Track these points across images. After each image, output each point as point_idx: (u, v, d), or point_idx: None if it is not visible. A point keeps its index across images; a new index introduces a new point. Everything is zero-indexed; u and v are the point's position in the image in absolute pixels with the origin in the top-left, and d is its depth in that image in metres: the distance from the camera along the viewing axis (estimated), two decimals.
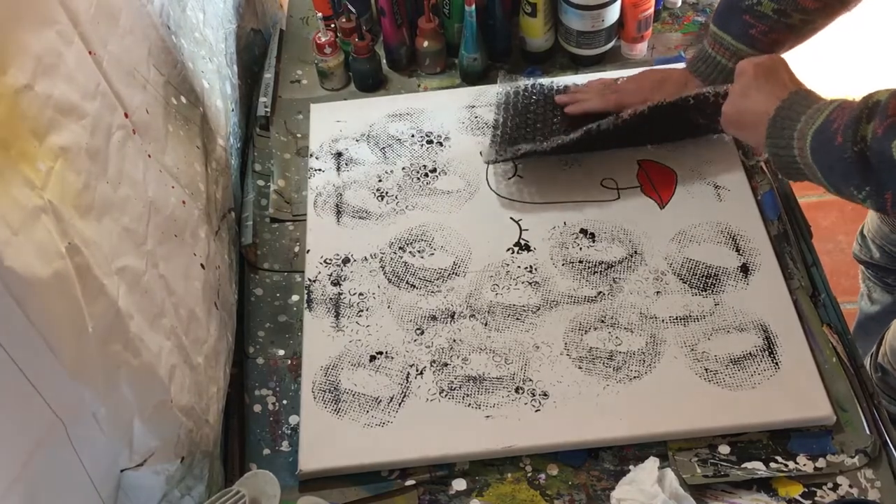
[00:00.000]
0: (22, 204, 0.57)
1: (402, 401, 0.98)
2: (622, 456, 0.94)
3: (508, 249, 1.11)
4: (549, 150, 1.13)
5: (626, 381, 0.98)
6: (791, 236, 1.10)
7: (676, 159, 1.18)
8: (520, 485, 0.93)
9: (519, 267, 1.09)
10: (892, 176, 0.78)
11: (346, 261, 1.11)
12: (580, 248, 1.10)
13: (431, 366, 1.00)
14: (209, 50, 1.12)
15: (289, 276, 1.13)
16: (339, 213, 1.17)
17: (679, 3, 1.40)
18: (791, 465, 0.92)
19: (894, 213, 0.81)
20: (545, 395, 0.97)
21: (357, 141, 1.25)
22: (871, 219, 1.42)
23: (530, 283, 1.07)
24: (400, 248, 1.12)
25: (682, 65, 1.19)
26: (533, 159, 1.17)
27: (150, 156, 0.82)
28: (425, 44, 1.32)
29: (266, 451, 0.97)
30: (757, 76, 0.96)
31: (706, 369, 0.98)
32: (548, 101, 1.23)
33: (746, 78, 0.97)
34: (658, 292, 1.05)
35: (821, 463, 0.92)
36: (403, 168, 1.21)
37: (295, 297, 1.11)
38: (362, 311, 1.06)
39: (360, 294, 1.08)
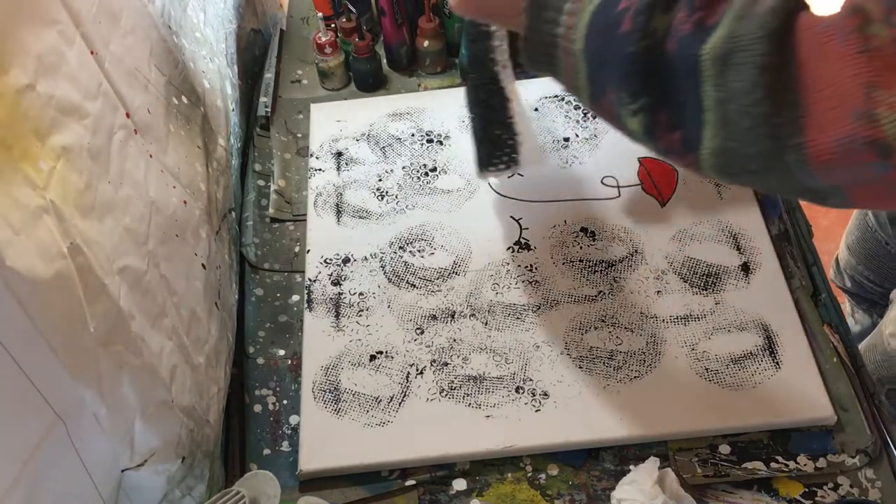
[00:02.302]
0: (24, 204, 0.57)
1: (403, 400, 0.98)
2: (622, 456, 0.95)
3: (509, 248, 1.11)
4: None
5: (627, 380, 0.98)
6: (792, 235, 1.10)
7: None
8: (520, 485, 0.93)
9: (519, 266, 1.09)
10: (682, 88, 0.62)
11: (346, 260, 1.11)
12: (580, 247, 1.10)
13: (431, 365, 1.01)
14: (210, 50, 1.12)
15: (289, 276, 1.13)
16: (339, 212, 1.17)
17: None
18: (792, 465, 0.92)
19: (663, 138, 0.65)
20: (545, 394, 0.97)
21: (357, 140, 1.25)
22: (842, 248, 1.45)
23: (531, 283, 1.07)
24: (400, 247, 1.12)
25: None
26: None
27: (151, 156, 0.82)
28: (426, 43, 1.32)
29: (266, 451, 0.97)
30: None
31: (707, 369, 0.98)
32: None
33: None
34: (658, 291, 1.05)
35: (821, 463, 0.92)
36: (403, 167, 1.21)
37: (295, 297, 1.11)
38: (362, 310, 1.06)
39: (361, 294, 1.08)
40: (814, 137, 0.56)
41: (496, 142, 1.04)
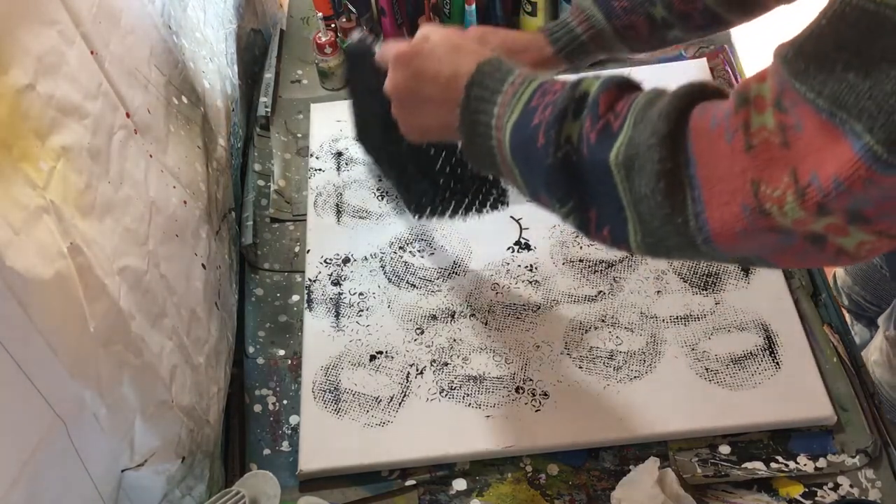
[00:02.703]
0: (24, 204, 0.57)
1: (403, 400, 0.98)
2: (622, 456, 0.95)
3: (509, 248, 1.11)
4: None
5: (627, 380, 0.98)
6: None
7: None
8: (520, 485, 0.93)
9: (519, 266, 1.09)
10: (601, 190, 0.65)
11: (346, 260, 1.11)
12: (580, 247, 1.10)
13: (431, 365, 1.00)
14: (210, 50, 1.12)
15: (289, 276, 1.13)
16: (339, 212, 1.17)
17: None
18: (792, 465, 0.92)
19: (597, 234, 0.68)
20: (545, 394, 0.97)
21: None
22: (839, 268, 1.45)
23: (531, 283, 1.07)
24: (400, 247, 1.12)
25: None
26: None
27: (151, 156, 0.82)
28: None
29: (266, 451, 0.97)
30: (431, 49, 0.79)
31: (707, 369, 0.98)
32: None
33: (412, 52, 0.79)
34: (658, 291, 1.05)
35: (821, 463, 0.92)
36: None
37: (295, 297, 1.11)
38: (362, 310, 1.06)
39: (361, 294, 1.08)
40: (716, 229, 0.59)
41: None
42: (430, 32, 0.80)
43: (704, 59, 1.30)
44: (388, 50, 0.82)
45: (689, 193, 0.60)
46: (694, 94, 0.62)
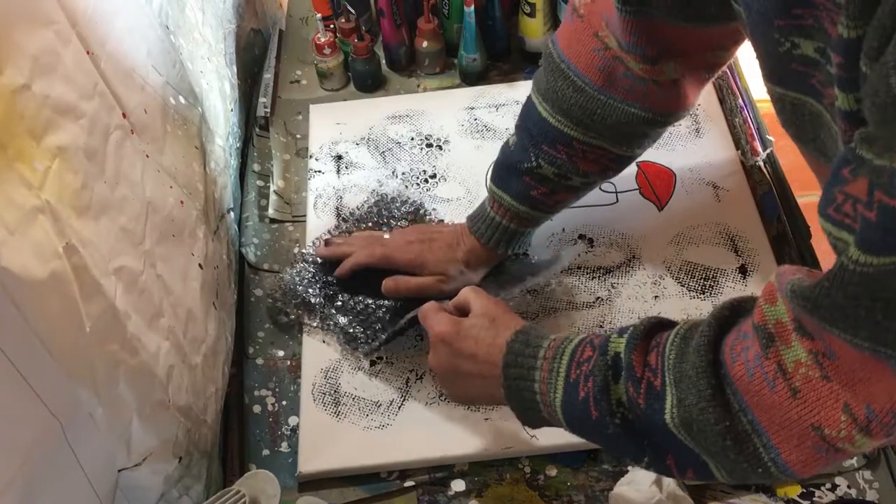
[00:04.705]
0: (19, 204, 0.57)
1: (402, 404, 0.98)
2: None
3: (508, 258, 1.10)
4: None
5: None
6: (790, 237, 1.10)
7: (675, 159, 1.18)
8: (518, 486, 0.93)
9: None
10: (671, 443, 0.66)
11: None
12: (578, 254, 1.09)
13: (431, 371, 1.00)
14: (208, 50, 1.12)
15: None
16: (339, 215, 1.16)
17: None
18: None
19: (682, 475, 0.69)
20: None
21: (357, 144, 1.25)
22: None
23: (529, 290, 1.06)
24: None
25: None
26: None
27: (148, 156, 0.82)
28: (424, 44, 1.32)
29: (265, 452, 0.97)
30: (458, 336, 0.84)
31: None
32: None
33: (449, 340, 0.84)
34: (656, 296, 1.05)
35: None
36: (403, 173, 1.20)
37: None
38: None
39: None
40: (797, 468, 0.61)
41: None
42: (472, 301, 0.86)
43: None
44: (429, 323, 0.87)
45: (757, 441, 0.61)
46: (717, 336, 0.64)
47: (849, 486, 0.91)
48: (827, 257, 1.14)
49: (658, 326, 0.70)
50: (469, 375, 0.82)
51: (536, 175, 0.94)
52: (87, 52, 0.71)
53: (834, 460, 0.59)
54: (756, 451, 0.61)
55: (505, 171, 0.97)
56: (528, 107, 0.95)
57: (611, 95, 0.88)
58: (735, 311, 0.65)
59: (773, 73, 0.65)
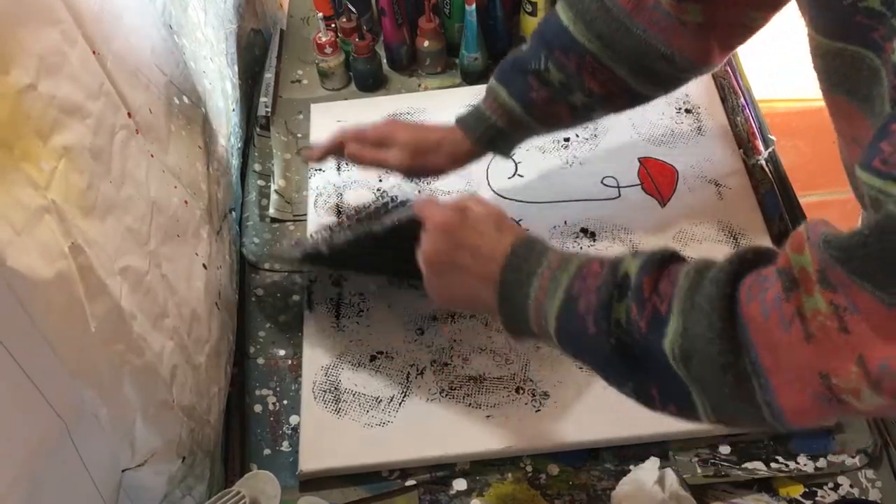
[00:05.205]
0: (25, 204, 0.57)
1: (403, 400, 0.98)
2: (622, 456, 0.95)
3: None
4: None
5: None
6: None
7: (677, 157, 1.18)
8: (520, 485, 0.93)
9: None
10: (661, 373, 0.65)
11: None
12: (581, 248, 1.10)
13: (432, 365, 1.00)
14: (211, 50, 1.12)
15: (289, 276, 1.13)
16: (339, 213, 1.17)
17: None
18: (792, 465, 0.92)
19: (662, 408, 0.68)
20: (546, 395, 0.97)
21: None
22: None
23: None
24: None
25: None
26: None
27: (152, 156, 0.82)
28: (426, 43, 1.32)
29: (266, 451, 0.97)
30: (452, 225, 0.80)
31: None
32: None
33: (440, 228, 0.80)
34: None
35: (822, 463, 0.92)
36: None
37: (295, 297, 1.10)
38: (362, 310, 1.06)
39: (361, 294, 1.08)
40: (790, 415, 0.60)
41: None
42: (471, 204, 0.81)
43: None
44: (429, 212, 0.82)
45: (755, 381, 0.60)
46: (737, 273, 0.62)
47: (851, 486, 0.91)
48: None
49: (673, 258, 0.69)
50: (464, 270, 0.78)
51: (542, 78, 0.93)
52: (93, 52, 0.71)
53: (830, 413, 0.58)
54: (752, 391, 0.60)
55: (510, 68, 0.95)
56: (550, 15, 0.94)
57: (635, 23, 0.88)
58: (758, 256, 0.64)
59: (835, 27, 0.64)
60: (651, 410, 0.69)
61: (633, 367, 0.67)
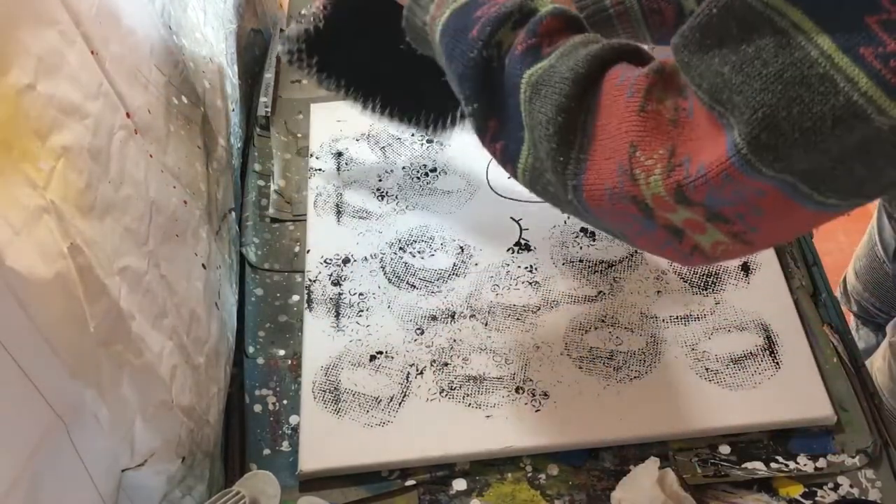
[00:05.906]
0: (24, 204, 0.57)
1: (403, 400, 0.98)
2: (622, 456, 0.95)
3: (509, 249, 1.11)
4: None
5: (627, 380, 0.98)
6: None
7: None
8: (520, 485, 0.93)
9: (519, 267, 1.09)
10: (508, 104, 0.65)
11: (346, 261, 1.11)
12: (580, 248, 1.10)
13: (431, 365, 1.01)
14: (210, 50, 1.12)
15: (289, 276, 1.13)
16: (339, 212, 1.17)
17: None
18: (792, 465, 0.92)
19: (490, 145, 0.69)
20: (545, 395, 0.97)
21: (357, 140, 1.25)
22: (850, 271, 1.45)
23: (530, 283, 1.07)
24: (400, 248, 1.12)
25: None
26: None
27: (151, 156, 0.82)
28: None
29: (266, 451, 0.97)
30: None
31: (707, 369, 0.98)
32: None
33: None
34: (658, 291, 1.05)
35: (821, 463, 0.92)
36: (403, 168, 1.21)
37: (295, 297, 1.11)
38: (362, 311, 1.06)
39: (361, 294, 1.08)
40: (590, 182, 0.60)
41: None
42: None
43: None
44: None
45: (579, 138, 0.60)
46: (625, 51, 0.63)
47: (851, 486, 0.91)
48: (828, 256, 1.15)
49: (583, 28, 0.68)
50: None
51: None
52: (92, 52, 0.71)
53: (618, 192, 0.58)
54: (570, 145, 0.61)
55: None
56: None
57: None
58: (641, 55, 0.64)
59: None
60: (481, 144, 0.70)
61: (487, 89, 0.67)
